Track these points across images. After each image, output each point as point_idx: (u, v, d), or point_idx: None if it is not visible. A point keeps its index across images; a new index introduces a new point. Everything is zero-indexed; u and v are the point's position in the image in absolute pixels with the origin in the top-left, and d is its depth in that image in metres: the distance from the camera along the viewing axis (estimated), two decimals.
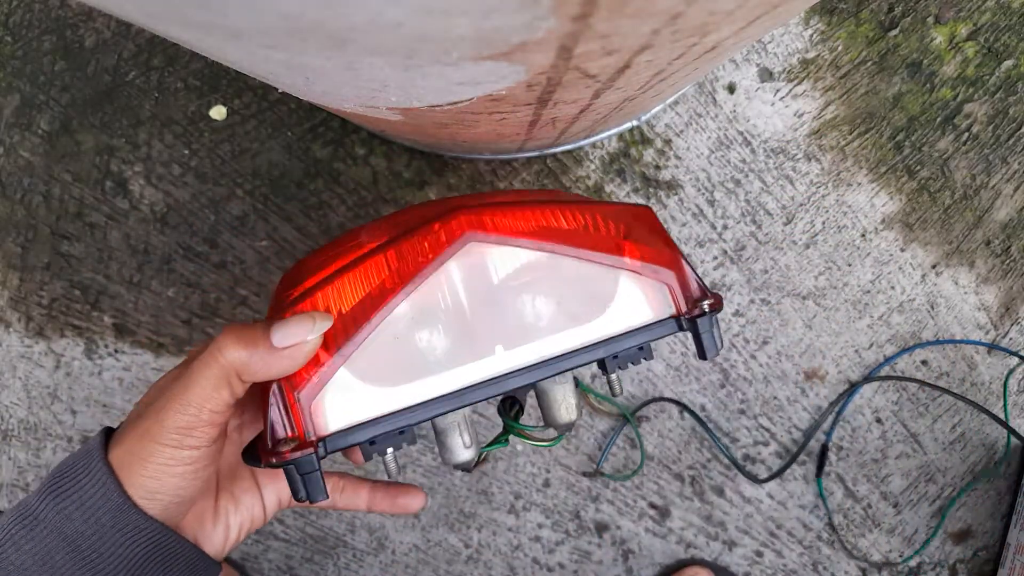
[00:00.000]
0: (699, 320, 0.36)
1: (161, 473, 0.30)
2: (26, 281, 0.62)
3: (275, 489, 0.37)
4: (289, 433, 0.31)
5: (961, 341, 0.64)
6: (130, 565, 0.30)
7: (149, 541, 0.31)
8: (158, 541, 0.31)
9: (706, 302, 0.36)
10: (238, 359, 0.30)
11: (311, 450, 0.31)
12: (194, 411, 0.30)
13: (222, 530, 0.35)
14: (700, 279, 0.37)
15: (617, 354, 0.37)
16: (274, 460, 0.31)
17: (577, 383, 0.42)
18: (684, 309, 0.36)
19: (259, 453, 0.32)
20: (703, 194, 0.62)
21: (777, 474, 0.64)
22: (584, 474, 0.64)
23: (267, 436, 0.31)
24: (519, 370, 0.35)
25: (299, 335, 0.30)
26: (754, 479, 0.64)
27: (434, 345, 0.36)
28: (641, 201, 0.62)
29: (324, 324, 0.31)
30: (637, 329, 0.37)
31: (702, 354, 0.36)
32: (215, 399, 0.30)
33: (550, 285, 0.37)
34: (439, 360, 0.35)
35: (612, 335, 0.37)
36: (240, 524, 0.36)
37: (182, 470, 0.31)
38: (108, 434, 0.32)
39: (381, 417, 0.34)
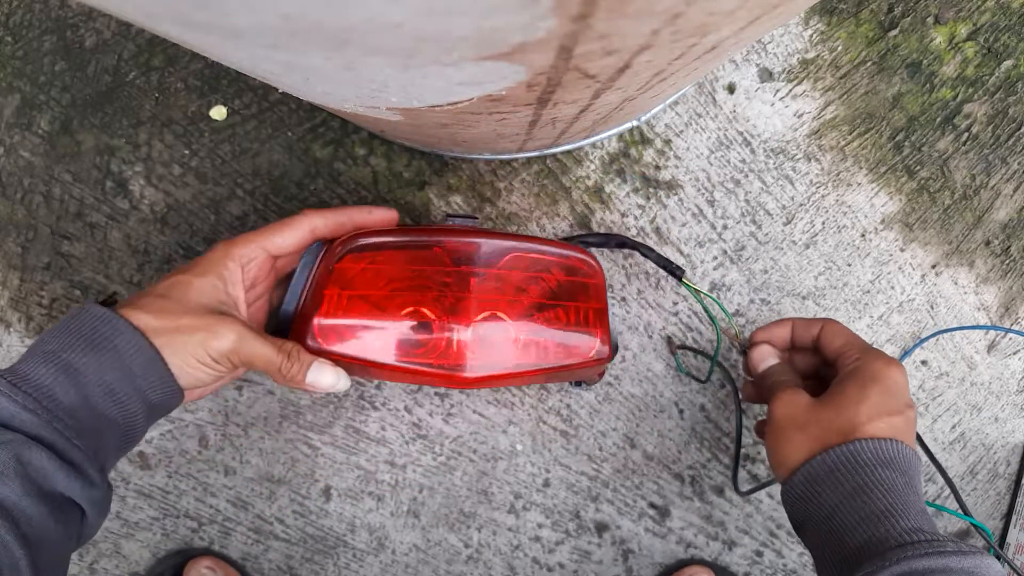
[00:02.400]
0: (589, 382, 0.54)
1: (192, 368, 0.41)
2: (26, 281, 0.63)
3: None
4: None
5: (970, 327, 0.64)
6: (146, 406, 0.41)
7: (164, 392, 0.41)
8: (171, 391, 0.41)
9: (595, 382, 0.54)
10: (273, 368, 0.43)
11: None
12: (225, 364, 0.42)
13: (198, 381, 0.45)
14: (609, 342, 0.51)
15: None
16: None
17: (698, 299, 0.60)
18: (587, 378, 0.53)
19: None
20: (703, 194, 0.62)
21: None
22: (670, 344, 0.62)
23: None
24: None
25: (322, 387, 0.45)
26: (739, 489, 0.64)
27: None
28: (641, 201, 0.62)
29: (343, 388, 0.46)
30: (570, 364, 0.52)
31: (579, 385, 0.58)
32: (246, 364, 0.43)
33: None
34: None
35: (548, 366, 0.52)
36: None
37: (209, 372, 0.42)
38: (110, 305, 0.42)
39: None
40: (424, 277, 0.46)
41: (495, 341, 0.46)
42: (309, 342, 0.45)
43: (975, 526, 0.50)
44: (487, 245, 0.46)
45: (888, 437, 0.43)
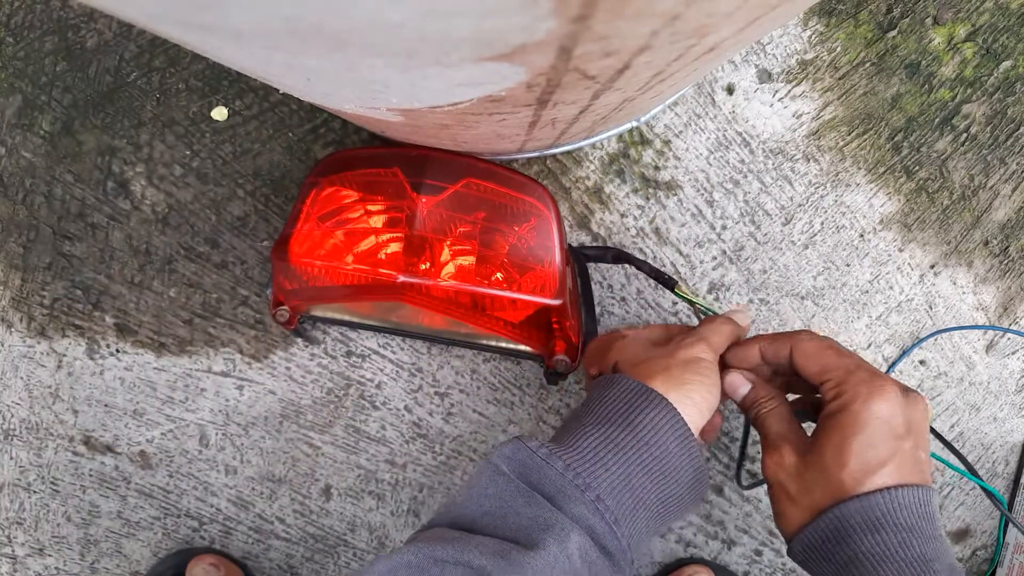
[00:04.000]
0: (558, 372, 0.56)
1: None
2: (28, 281, 0.63)
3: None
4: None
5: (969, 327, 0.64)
6: (689, 483, 0.41)
7: (697, 468, 0.41)
8: (701, 467, 0.42)
9: (568, 372, 0.55)
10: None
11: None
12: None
13: None
14: (576, 356, 0.55)
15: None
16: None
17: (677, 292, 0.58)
18: (553, 364, 0.55)
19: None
20: (702, 194, 0.62)
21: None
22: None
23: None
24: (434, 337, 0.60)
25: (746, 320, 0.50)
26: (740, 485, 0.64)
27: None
28: (640, 202, 0.62)
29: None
30: (525, 351, 0.58)
31: (551, 382, 0.60)
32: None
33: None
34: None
35: (508, 347, 0.58)
36: None
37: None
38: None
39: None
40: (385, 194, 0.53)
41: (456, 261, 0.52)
42: (292, 273, 0.52)
43: (986, 490, 0.50)
44: (442, 164, 0.52)
45: (880, 488, 0.40)
